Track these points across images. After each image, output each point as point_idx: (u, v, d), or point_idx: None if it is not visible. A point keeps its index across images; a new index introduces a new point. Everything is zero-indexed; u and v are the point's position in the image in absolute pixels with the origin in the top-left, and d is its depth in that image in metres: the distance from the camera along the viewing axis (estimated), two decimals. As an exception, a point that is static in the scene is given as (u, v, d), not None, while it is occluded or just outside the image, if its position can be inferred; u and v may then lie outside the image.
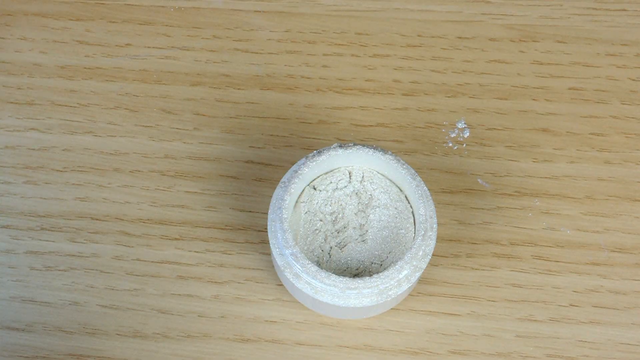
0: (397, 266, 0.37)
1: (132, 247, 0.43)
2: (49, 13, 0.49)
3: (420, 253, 0.37)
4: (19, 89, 0.47)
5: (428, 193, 0.38)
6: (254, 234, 0.43)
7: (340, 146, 0.39)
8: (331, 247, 0.39)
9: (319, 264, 0.38)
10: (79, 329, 0.42)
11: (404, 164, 0.39)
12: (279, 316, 0.42)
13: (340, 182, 0.40)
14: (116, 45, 0.48)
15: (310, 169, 0.39)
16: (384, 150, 0.39)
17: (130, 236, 0.43)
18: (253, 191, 0.44)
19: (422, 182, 0.38)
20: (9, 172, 0.45)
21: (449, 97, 0.46)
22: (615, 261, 0.43)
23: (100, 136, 0.46)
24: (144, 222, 0.44)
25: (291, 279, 0.37)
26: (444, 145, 0.45)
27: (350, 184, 0.40)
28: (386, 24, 0.48)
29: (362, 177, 0.40)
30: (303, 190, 0.40)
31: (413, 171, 0.39)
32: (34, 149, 0.45)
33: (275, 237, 0.38)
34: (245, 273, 0.43)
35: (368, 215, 0.39)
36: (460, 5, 0.49)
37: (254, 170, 0.45)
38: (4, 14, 0.49)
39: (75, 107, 0.46)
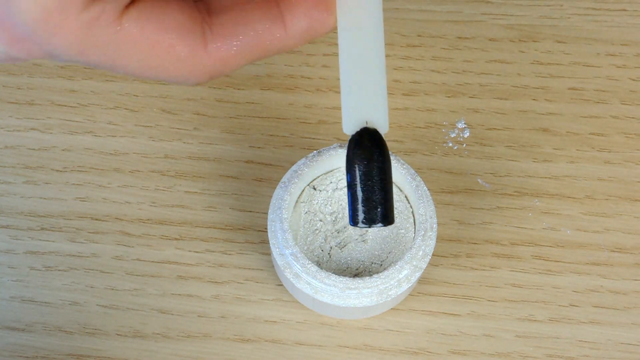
0: (397, 266, 0.37)
1: (132, 247, 0.43)
2: (49, 13, 0.49)
3: (420, 253, 0.37)
4: (19, 89, 0.47)
5: (428, 193, 0.38)
6: (254, 234, 0.43)
7: (340, 146, 0.39)
8: (331, 247, 0.39)
9: (319, 264, 0.38)
10: (79, 329, 0.42)
11: (404, 164, 0.39)
12: (279, 316, 0.42)
13: (340, 182, 0.40)
14: (116, 45, 0.48)
15: (310, 169, 0.39)
16: (384, 150, 0.39)
17: (130, 236, 0.43)
18: (253, 191, 0.44)
19: (422, 182, 0.38)
20: (9, 172, 0.45)
21: (449, 97, 0.46)
22: (615, 261, 0.43)
23: (100, 136, 0.46)
24: (144, 222, 0.44)
25: (291, 279, 0.37)
26: (444, 145, 0.45)
27: (350, 184, 0.40)
28: (386, 24, 0.48)
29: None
30: (303, 190, 0.40)
31: (413, 171, 0.39)
32: (34, 149, 0.45)
33: (275, 237, 0.38)
34: (245, 273, 0.43)
35: (368, 215, 0.39)
36: (460, 5, 0.49)
37: (254, 170, 0.45)
38: (4, 14, 0.48)
39: (75, 107, 0.46)
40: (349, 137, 0.33)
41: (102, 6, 0.30)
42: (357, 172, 0.33)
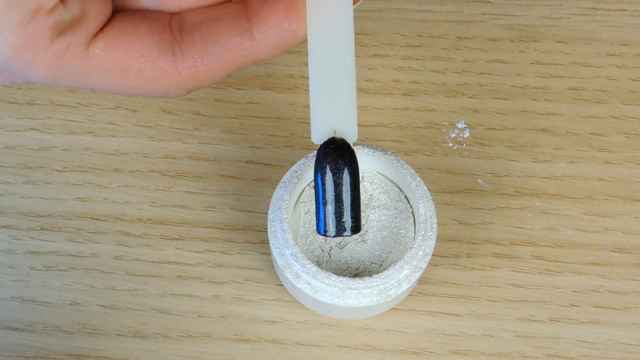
0: (397, 266, 0.37)
1: (132, 247, 0.43)
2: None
3: (420, 253, 0.37)
4: (19, 89, 0.47)
5: (428, 193, 0.38)
6: (254, 234, 0.43)
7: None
8: (331, 247, 0.39)
9: (319, 264, 0.38)
10: (79, 329, 0.42)
11: (404, 164, 0.39)
12: (279, 316, 0.42)
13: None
14: (116, 45, 0.48)
15: (310, 169, 0.39)
16: (384, 150, 0.39)
17: (130, 236, 0.43)
18: (253, 191, 0.44)
19: (422, 182, 0.38)
20: (9, 172, 0.45)
21: (449, 97, 0.46)
22: (615, 261, 0.43)
23: (100, 136, 0.46)
24: (144, 222, 0.44)
25: (291, 279, 0.37)
26: (444, 145, 0.45)
27: (350, 184, 0.40)
28: (386, 24, 0.48)
29: (362, 177, 0.40)
30: (303, 190, 0.40)
31: (413, 171, 0.39)
32: (34, 149, 0.45)
33: (275, 237, 0.38)
34: (245, 273, 0.43)
35: (368, 216, 0.39)
36: (460, 5, 0.49)
37: (254, 170, 0.45)
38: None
39: (75, 107, 0.46)
40: (318, 147, 0.33)
41: (69, 39, 0.30)
42: (325, 181, 0.33)
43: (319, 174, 0.33)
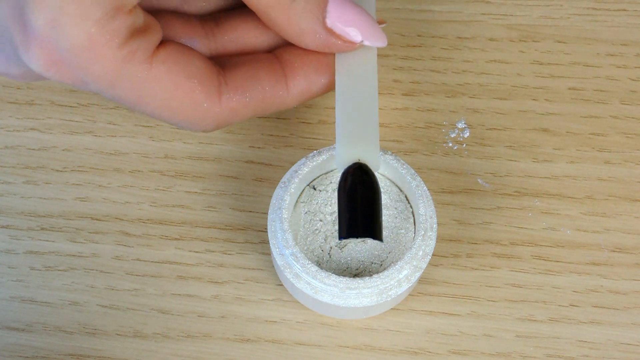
0: (397, 266, 0.37)
1: (132, 247, 0.43)
2: (49, 13, 0.48)
3: (420, 253, 0.37)
4: (18, 89, 0.47)
5: (428, 193, 0.38)
6: (254, 234, 0.43)
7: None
8: (331, 247, 0.39)
9: (319, 264, 0.38)
10: (79, 329, 0.42)
11: (404, 164, 0.39)
12: (279, 316, 0.42)
13: (340, 182, 0.40)
14: (116, 45, 0.48)
15: (310, 169, 0.39)
16: (384, 150, 0.39)
17: (130, 236, 0.43)
18: (253, 191, 0.44)
19: (422, 182, 0.38)
20: (9, 172, 0.45)
21: (449, 97, 0.46)
22: (615, 261, 0.43)
23: (100, 136, 0.46)
24: (144, 222, 0.44)
25: (291, 279, 0.37)
26: (444, 145, 0.45)
27: (350, 184, 0.40)
28: (386, 23, 0.48)
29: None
30: (303, 190, 0.40)
31: (413, 171, 0.39)
32: (34, 149, 0.45)
33: (275, 237, 0.38)
34: (245, 273, 0.43)
35: (368, 215, 0.39)
36: (460, 5, 0.49)
37: (254, 170, 0.45)
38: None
39: (75, 107, 0.46)
40: (342, 171, 0.35)
41: (138, 43, 0.31)
42: (350, 196, 0.35)
43: (343, 191, 0.35)
